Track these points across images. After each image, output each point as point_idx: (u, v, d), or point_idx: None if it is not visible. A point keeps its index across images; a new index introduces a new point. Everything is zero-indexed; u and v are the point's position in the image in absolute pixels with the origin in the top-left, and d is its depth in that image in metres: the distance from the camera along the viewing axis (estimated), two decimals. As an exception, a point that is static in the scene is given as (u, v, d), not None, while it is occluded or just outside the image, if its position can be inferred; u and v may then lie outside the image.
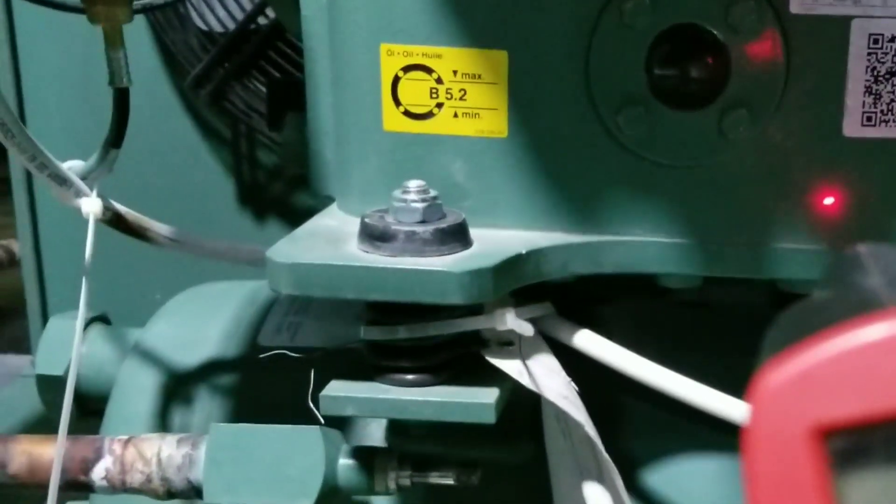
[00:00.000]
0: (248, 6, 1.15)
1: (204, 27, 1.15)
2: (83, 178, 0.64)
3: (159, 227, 0.70)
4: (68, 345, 0.78)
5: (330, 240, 0.58)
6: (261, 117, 1.16)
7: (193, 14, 1.14)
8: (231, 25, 1.15)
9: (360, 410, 0.58)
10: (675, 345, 0.69)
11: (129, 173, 1.02)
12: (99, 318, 0.87)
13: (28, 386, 1.03)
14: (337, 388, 0.58)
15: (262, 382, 0.75)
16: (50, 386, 0.81)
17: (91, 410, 0.81)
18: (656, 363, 0.61)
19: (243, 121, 1.20)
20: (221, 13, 1.14)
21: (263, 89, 1.14)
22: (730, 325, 0.73)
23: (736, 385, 0.62)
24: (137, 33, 1.17)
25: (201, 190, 1.27)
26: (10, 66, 1.20)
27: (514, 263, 0.57)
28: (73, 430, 0.65)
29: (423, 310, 0.57)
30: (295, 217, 1.26)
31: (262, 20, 1.14)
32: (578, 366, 0.62)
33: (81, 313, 0.64)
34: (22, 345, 1.63)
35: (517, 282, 0.58)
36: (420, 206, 0.56)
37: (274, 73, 1.15)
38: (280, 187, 1.26)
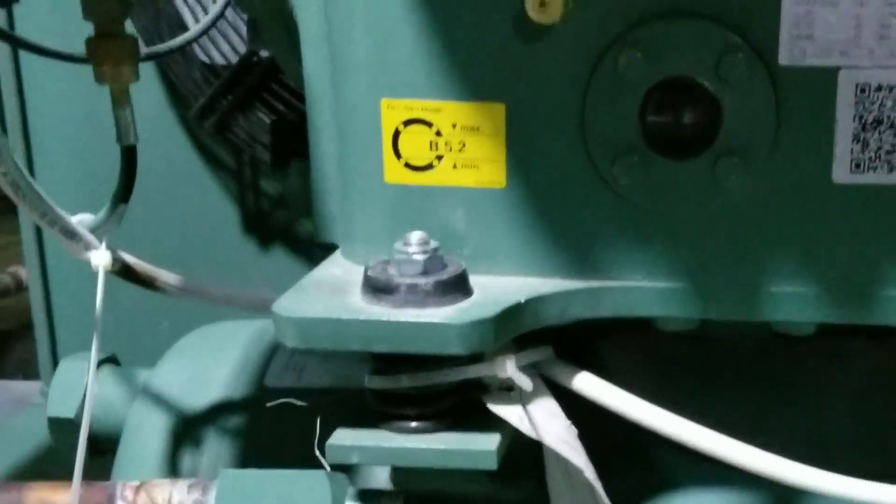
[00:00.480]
0: (250, 40, 1.16)
1: (207, 60, 1.17)
2: (92, 232, 0.66)
3: (167, 277, 0.72)
4: (79, 387, 0.80)
5: (335, 290, 0.60)
6: (264, 148, 1.17)
7: (196, 48, 1.16)
8: (234, 58, 1.16)
9: (365, 459, 0.59)
10: (673, 377, 0.70)
11: (134, 202, 1.03)
12: (109, 360, 0.88)
13: (38, 414, 1.03)
14: (343, 437, 0.59)
15: (270, 423, 0.76)
16: (62, 427, 0.82)
17: (101, 450, 0.82)
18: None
19: (246, 151, 1.22)
20: (224, 46, 1.16)
21: (266, 120, 1.16)
22: (728, 358, 0.74)
23: (735, 418, 0.63)
24: (142, 66, 1.18)
25: (206, 218, 1.28)
26: (19, 112, 1.22)
27: (513, 312, 0.58)
28: (84, 469, 0.67)
29: (425, 359, 0.58)
30: (298, 244, 1.27)
31: (263, 53, 1.16)
32: (578, 403, 0.63)
33: (92, 365, 0.65)
34: (29, 368, 1.65)
35: (517, 330, 0.59)
36: (421, 258, 0.57)
37: (276, 104, 1.17)
38: (284, 215, 1.27)
